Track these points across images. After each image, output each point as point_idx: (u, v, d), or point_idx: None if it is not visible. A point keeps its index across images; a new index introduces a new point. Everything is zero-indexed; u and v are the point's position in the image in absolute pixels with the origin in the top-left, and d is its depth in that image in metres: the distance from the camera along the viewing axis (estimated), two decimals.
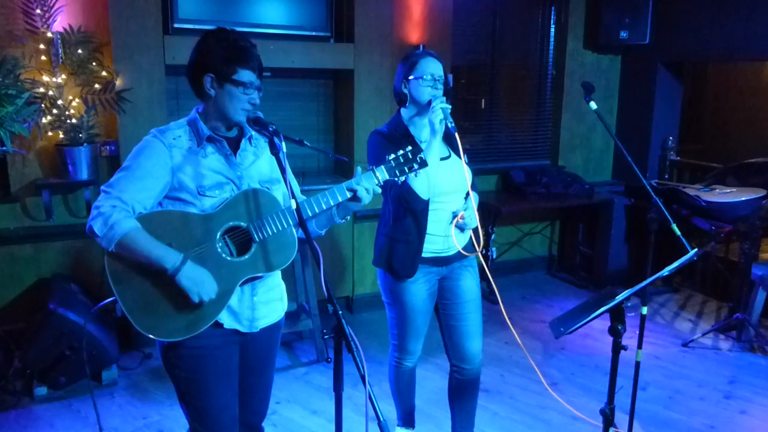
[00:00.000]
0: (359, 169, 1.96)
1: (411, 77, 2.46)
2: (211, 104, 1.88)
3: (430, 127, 2.38)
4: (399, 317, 2.63)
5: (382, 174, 1.94)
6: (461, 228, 2.54)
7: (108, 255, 1.81)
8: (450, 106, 2.38)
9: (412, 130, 2.53)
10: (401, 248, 2.50)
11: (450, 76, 4.76)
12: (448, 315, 2.67)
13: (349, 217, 2.06)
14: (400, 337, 2.68)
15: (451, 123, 2.35)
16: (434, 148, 2.36)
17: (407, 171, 1.95)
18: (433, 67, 2.45)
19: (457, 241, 2.53)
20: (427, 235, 2.49)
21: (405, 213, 2.46)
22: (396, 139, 2.46)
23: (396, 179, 1.97)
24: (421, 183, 2.36)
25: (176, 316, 1.84)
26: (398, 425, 2.98)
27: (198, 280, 1.79)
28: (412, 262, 2.50)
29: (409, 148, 1.95)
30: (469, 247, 2.63)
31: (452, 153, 2.57)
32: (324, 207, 1.91)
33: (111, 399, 3.39)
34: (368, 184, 1.92)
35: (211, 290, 1.82)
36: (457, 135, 2.39)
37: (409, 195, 2.38)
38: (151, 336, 1.84)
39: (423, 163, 1.96)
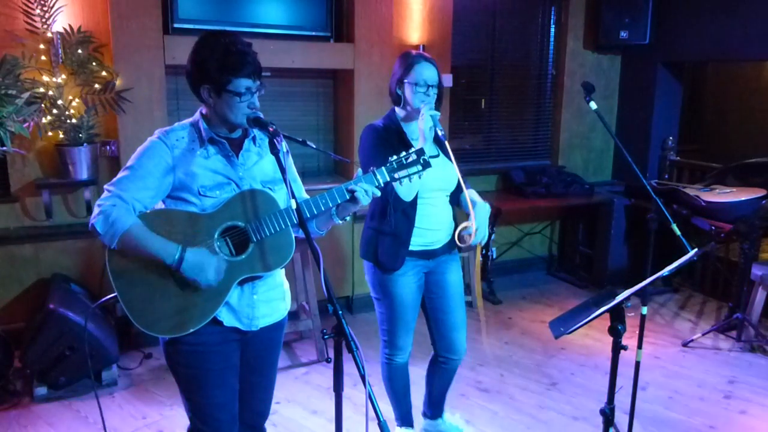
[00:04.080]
0: (360, 170, 1.97)
1: (405, 81, 2.51)
2: (212, 110, 1.90)
3: (420, 132, 2.43)
4: (388, 311, 2.68)
5: (382, 176, 1.94)
6: (466, 241, 2.52)
7: (108, 252, 1.84)
8: (439, 114, 2.44)
9: (405, 129, 2.60)
10: (388, 241, 2.57)
11: (450, 77, 4.77)
12: (436, 308, 2.74)
13: (348, 218, 2.06)
14: (390, 332, 2.72)
15: (441, 130, 2.40)
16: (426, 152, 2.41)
17: (409, 173, 1.95)
18: (427, 74, 2.49)
19: (446, 237, 2.61)
20: (416, 229, 2.55)
21: (392, 209, 2.52)
22: (389, 134, 2.55)
23: (398, 182, 1.96)
24: (404, 186, 2.32)
25: (174, 312, 1.87)
26: (397, 425, 2.99)
27: (199, 267, 1.82)
28: (398, 255, 2.56)
29: (413, 149, 1.95)
30: (453, 241, 2.67)
31: (441, 153, 2.62)
32: (323, 208, 1.92)
33: (111, 399, 3.39)
34: (368, 186, 1.93)
35: (215, 273, 1.84)
36: (446, 142, 2.45)
37: (390, 194, 2.43)
38: (149, 332, 1.87)
39: (426, 165, 1.95)
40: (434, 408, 3.01)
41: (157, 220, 1.85)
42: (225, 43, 1.83)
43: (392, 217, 2.52)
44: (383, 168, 1.94)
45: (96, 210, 1.81)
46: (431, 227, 2.59)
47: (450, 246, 2.68)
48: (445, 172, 2.56)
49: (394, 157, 1.95)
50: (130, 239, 1.79)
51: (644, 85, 5.44)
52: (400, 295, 2.63)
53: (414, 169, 1.95)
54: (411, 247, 2.57)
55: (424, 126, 2.40)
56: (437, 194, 2.59)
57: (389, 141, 2.51)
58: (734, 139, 7.33)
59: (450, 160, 2.54)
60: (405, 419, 2.96)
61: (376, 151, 2.49)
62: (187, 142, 1.90)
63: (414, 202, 2.52)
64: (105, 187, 1.86)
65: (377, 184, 1.94)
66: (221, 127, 1.93)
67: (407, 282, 2.62)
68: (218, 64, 1.81)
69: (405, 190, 2.39)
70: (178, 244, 1.81)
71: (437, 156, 2.58)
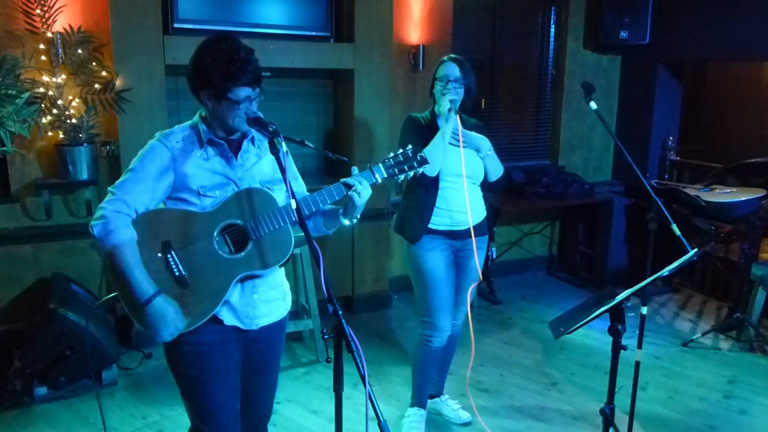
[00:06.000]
0: (355, 169, 1.98)
1: (434, 77, 2.87)
2: (211, 114, 1.92)
3: (442, 116, 2.78)
4: (423, 288, 2.89)
5: (380, 173, 1.97)
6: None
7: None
8: (456, 98, 2.75)
9: (438, 120, 2.89)
10: (412, 215, 2.88)
11: None
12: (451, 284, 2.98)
13: (356, 219, 2.07)
14: (428, 311, 2.89)
15: (456, 111, 2.70)
16: (445, 134, 2.73)
17: (406, 170, 1.98)
18: (448, 71, 2.80)
19: (470, 218, 2.81)
20: (437, 209, 2.83)
21: (418, 185, 2.81)
22: (420, 123, 2.89)
23: (395, 178, 1.98)
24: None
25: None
26: (411, 405, 3.09)
27: (162, 319, 1.83)
28: (417, 227, 2.85)
29: (409, 147, 2.01)
30: (483, 226, 2.93)
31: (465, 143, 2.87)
32: (321, 205, 1.95)
33: (111, 399, 3.39)
34: (363, 181, 1.95)
35: (173, 330, 1.86)
36: (460, 127, 2.73)
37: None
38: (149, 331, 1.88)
39: (423, 161, 1.99)
40: (435, 384, 3.21)
41: (157, 219, 1.87)
42: (227, 51, 1.83)
43: (419, 191, 2.82)
44: (380, 165, 1.98)
45: (98, 212, 1.82)
46: (453, 209, 2.82)
47: (478, 231, 2.87)
48: (468, 161, 2.80)
49: (391, 153, 2.01)
50: (117, 255, 1.81)
51: (644, 85, 5.44)
52: (431, 269, 2.85)
53: (409, 164, 1.99)
54: (436, 227, 2.84)
55: (443, 110, 2.74)
56: (459, 180, 2.80)
57: (419, 127, 2.87)
58: (734, 139, 7.33)
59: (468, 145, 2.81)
60: (422, 402, 3.08)
61: (405, 136, 2.84)
62: (187, 144, 1.91)
63: (436, 183, 2.80)
64: (108, 189, 1.88)
65: (375, 181, 1.96)
66: (220, 131, 1.94)
67: (436, 257, 2.85)
68: (220, 71, 1.81)
69: (429, 167, 2.52)
70: (155, 287, 1.83)
71: (460, 146, 2.78)
